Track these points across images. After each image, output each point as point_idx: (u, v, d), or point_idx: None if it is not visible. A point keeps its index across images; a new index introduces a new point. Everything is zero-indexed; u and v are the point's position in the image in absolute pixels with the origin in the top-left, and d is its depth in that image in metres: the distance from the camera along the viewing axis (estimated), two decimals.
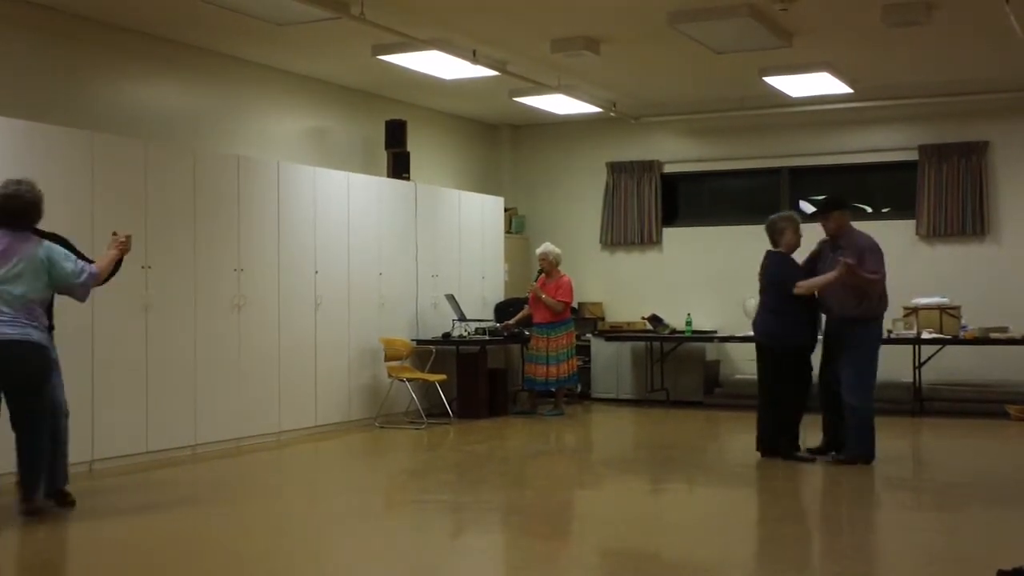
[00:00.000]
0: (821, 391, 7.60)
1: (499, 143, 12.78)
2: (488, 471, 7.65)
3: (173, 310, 7.85)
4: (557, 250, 10.57)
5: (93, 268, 5.88)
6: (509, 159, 12.83)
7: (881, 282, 7.46)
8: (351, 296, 9.54)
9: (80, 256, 6.09)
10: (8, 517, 5.75)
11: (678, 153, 12.15)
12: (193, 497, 6.73)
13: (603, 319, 12.19)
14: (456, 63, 8.86)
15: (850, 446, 7.43)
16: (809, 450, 7.63)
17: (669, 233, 12.17)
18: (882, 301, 7.56)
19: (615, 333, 11.69)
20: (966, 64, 9.68)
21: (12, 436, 5.78)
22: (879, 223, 11.43)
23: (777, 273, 7.51)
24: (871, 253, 7.43)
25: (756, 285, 11.03)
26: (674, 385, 11.38)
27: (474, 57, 8.73)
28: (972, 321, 10.08)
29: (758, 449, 7.67)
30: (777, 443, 7.56)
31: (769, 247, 7.67)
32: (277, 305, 8.77)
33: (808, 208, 11.90)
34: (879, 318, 7.60)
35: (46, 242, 5.86)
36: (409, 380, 9.71)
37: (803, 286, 7.35)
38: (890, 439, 9.25)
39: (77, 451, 7.14)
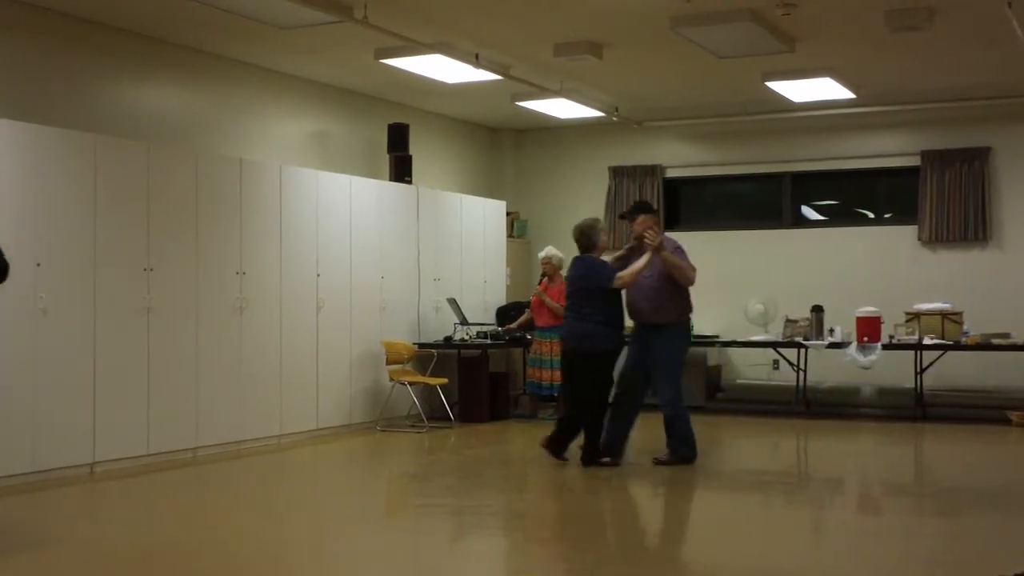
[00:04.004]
0: (626, 396, 7.60)
1: (501, 147, 12.79)
2: (489, 475, 7.65)
3: (175, 312, 7.85)
4: (560, 254, 10.56)
5: None
6: (511, 163, 12.83)
7: (694, 275, 7.54)
8: (353, 299, 9.54)
9: None
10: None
11: (680, 158, 12.15)
12: (193, 500, 6.73)
13: None
14: (458, 67, 8.86)
15: (673, 448, 7.56)
16: (657, 459, 7.61)
17: (670, 237, 12.13)
18: (689, 302, 7.68)
19: None
20: (968, 70, 9.67)
21: None
22: (881, 228, 11.47)
23: (594, 275, 7.47)
24: (677, 252, 7.58)
25: (758, 289, 11.15)
26: None
27: (476, 61, 8.73)
28: (974, 327, 10.07)
29: (549, 448, 7.63)
30: (562, 444, 7.58)
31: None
32: (279, 308, 8.77)
33: (812, 215, 11.92)
34: (687, 321, 7.71)
35: None
36: (410, 384, 9.71)
37: (624, 275, 7.37)
38: (891, 445, 9.27)
39: (78, 453, 7.17)
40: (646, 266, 7.40)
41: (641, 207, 7.87)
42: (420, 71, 9.07)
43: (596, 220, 7.78)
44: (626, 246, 7.92)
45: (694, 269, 7.62)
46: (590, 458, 7.48)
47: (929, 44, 8.64)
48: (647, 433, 10.42)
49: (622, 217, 7.90)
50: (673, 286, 7.54)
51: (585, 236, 7.61)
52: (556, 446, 7.61)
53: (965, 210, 10.81)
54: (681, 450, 7.60)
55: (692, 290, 11.65)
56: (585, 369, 7.44)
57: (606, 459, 7.53)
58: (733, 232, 11.94)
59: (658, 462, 7.57)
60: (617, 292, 7.44)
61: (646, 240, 7.44)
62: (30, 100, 7.53)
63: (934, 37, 8.33)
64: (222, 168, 8.35)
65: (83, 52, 7.98)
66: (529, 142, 12.81)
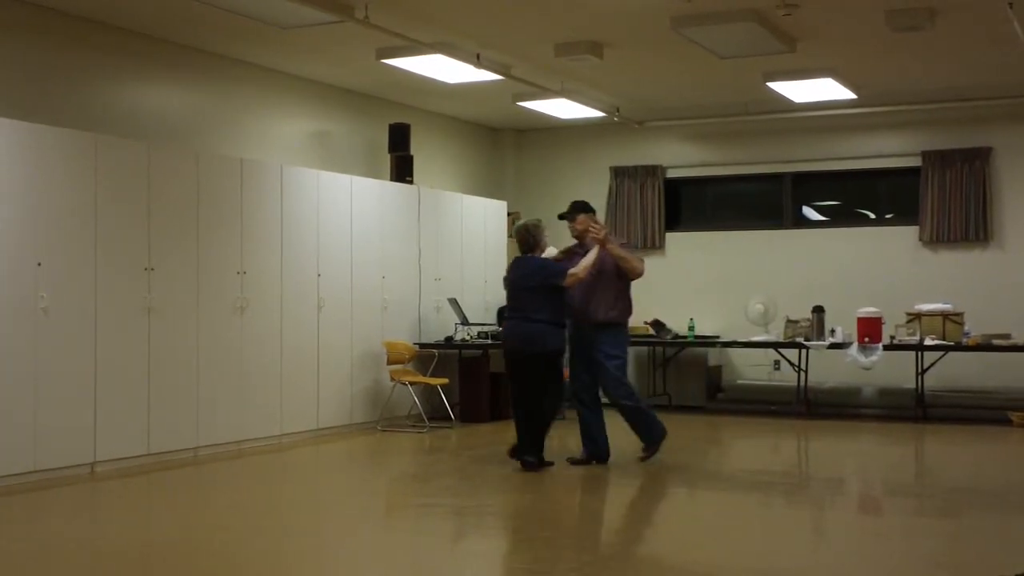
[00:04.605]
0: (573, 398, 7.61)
1: (502, 147, 12.79)
2: (490, 475, 7.63)
3: (176, 312, 7.85)
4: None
5: None
6: (512, 163, 12.83)
7: (642, 266, 7.66)
8: (354, 299, 9.54)
9: None
10: None
11: (681, 158, 12.14)
12: (194, 500, 6.73)
13: None
14: (460, 67, 8.86)
15: (650, 439, 7.61)
16: (573, 460, 7.58)
17: (672, 238, 12.17)
18: (631, 302, 7.74)
19: None
20: (969, 70, 9.67)
21: None
22: (882, 229, 11.47)
23: (541, 274, 7.36)
24: (622, 247, 7.65)
25: (759, 289, 11.15)
26: (676, 390, 11.38)
27: (478, 61, 8.73)
28: (975, 328, 10.06)
29: (532, 467, 7.33)
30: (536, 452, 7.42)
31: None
32: (280, 308, 8.77)
33: (813, 215, 11.92)
34: (628, 321, 7.78)
35: None
36: (411, 384, 9.71)
37: (577, 271, 7.29)
38: (892, 445, 9.27)
39: (79, 452, 7.18)
40: (596, 261, 7.37)
41: (580, 207, 7.78)
42: (421, 71, 9.07)
43: (539, 220, 7.72)
44: (562, 248, 7.86)
45: (641, 260, 7.73)
46: (525, 458, 7.33)
47: (930, 44, 8.64)
48: None
49: (562, 217, 7.84)
50: (616, 285, 7.53)
51: (531, 235, 7.52)
52: (535, 459, 7.40)
53: (966, 210, 10.80)
54: (657, 440, 7.65)
55: (692, 290, 11.82)
56: (537, 370, 7.32)
57: (548, 460, 7.45)
58: (734, 232, 11.94)
59: (644, 458, 7.58)
60: (561, 291, 7.35)
61: (591, 234, 7.43)
62: (31, 100, 7.53)
63: (935, 37, 8.33)
64: (223, 168, 8.35)
65: (83, 52, 7.98)
66: (530, 142, 12.81)
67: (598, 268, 7.43)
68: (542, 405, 7.38)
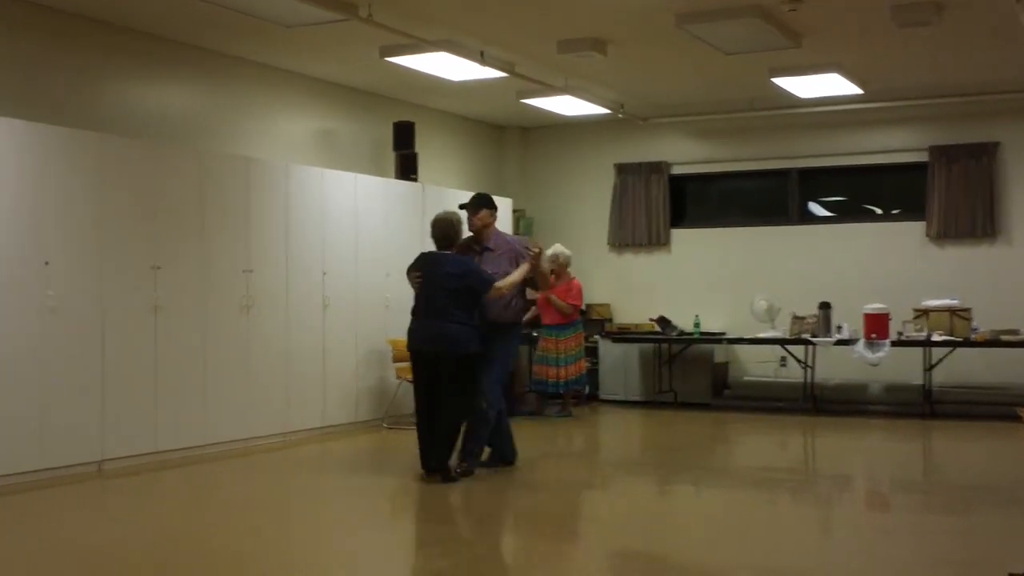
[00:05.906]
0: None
1: (507, 144, 12.78)
2: (494, 473, 7.63)
3: (182, 311, 7.86)
4: (568, 252, 10.53)
5: None
6: (517, 160, 12.83)
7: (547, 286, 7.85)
8: (359, 297, 9.54)
9: None
10: None
11: (686, 154, 12.13)
12: (201, 498, 6.74)
13: (611, 320, 12.16)
14: (464, 64, 8.85)
15: (471, 453, 7.15)
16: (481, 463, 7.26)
17: (677, 234, 12.15)
18: (526, 302, 7.69)
19: (623, 334, 11.67)
20: (976, 64, 9.64)
21: None
22: (889, 224, 11.44)
23: (470, 278, 7.00)
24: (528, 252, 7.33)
25: (765, 286, 11.13)
26: (682, 387, 11.36)
27: (482, 59, 8.72)
28: (983, 323, 10.04)
29: (433, 471, 6.98)
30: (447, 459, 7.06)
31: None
32: (285, 306, 8.77)
33: (819, 211, 11.90)
34: (521, 323, 7.65)
35: None
36: None
37: (503, 286, 7.01)
38: (900, 442, 9.25)
39: (87, 450, 7.19)
40: (522, 278, 7.14)
41: (485, 201, 7.41)
42: (425, 69, 9.07)
43: (456, 213, 7.34)
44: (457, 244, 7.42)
45: (546, 275, 7.87)
46: (474, 465, 7.11)
47: (936, 39, 8.61)
48: (649, 431, 10.41)
49: (462, 207, 7.46)
50: (519, 288, 7.30)
51: (454, 231, 7.19)
52: (442, 466, 6.98)
53: (973, 206, 10.77)
54: (473, 461, 7.16)
55: (697, 286, 11.80)
56: (452, 372, 6.97)
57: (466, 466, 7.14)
58: (740, 229, 11.92)
59: (457, 469, 7.05)
60: (479, 295, 7.01)
61: (529, 250, 7.17)
62: (36, 99, 7.53)
63: (941, 32, 8.30)
64: (228, 166, 8.35)
65: (89, 51, 7.98)
66: (535, 139, 12.80)
67: (496, 268, 7.15)
68: (454, 409, 7.04)
